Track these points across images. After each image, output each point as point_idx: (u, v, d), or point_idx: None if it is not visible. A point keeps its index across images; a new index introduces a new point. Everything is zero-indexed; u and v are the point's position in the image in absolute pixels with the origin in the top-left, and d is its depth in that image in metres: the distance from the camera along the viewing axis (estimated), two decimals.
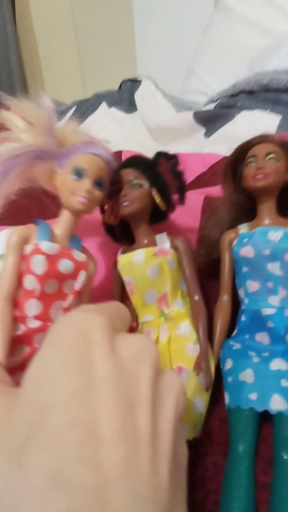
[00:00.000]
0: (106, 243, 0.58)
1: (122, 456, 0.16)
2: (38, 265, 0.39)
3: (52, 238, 0.43)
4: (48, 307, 0.40)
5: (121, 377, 0.19)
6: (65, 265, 0.41)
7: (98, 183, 0.43)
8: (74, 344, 0.20)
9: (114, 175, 0.50)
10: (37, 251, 0.40)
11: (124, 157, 1.00)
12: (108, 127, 1.25)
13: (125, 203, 0.47)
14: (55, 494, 0.15)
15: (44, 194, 0.48)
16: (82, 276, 0.42)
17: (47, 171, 0.45)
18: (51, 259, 0.40)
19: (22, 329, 0.39)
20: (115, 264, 0.51)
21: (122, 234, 0.55)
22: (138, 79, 1.35)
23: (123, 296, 0.51)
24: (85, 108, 1.42)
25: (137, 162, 0.50)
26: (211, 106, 1.04)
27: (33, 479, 0.15)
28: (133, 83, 1.36)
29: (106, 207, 0.52)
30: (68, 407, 0.17)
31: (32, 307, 0.39)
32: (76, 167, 0.42)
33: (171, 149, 0.53)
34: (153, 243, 0.48)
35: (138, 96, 1.28)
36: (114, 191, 0.49)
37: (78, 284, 0.42)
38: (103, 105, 1.37)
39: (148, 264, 0.45)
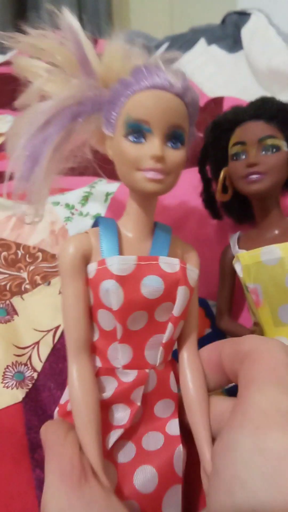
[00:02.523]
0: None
1: None
2: (111, 296, 0.26)
3: (122, 245, 0.29)
4: (140, 348, 0.28)
5: None
6: (151, 286, 0.27)
7: (174, 136, 0.27)
8: None
9: (233, 131, 0.36)
10: (104, 273, 0.27)
11: (226, 105, 0.85)
12: (206, 68, 1.08)
13: (253, 177, 0.34)
14: None
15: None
16: (182, 294, 0.28)
17: (95, 133, 0.30)
18: (128, 282, 0.26)
19: (113, 386, 0.28)
20: (225, 254, 0.39)
21: (231, 209, 0.43)
22: (247, 12, 1.14)
23: (232, 300, 0.39)
24: (179, 45, 1.24)
25: (272, 110, 0.35)
26: None
27: None
28: (240, 17, 1.16)
29: (220, 175, 0.38)
30: None
31: (117, 354, 0.28)
32: (130, 121, 0.27)
33: (283, 99, 0.38)
34: None
35: (246, 32, 1.08)
36: (233, 155, 0.36)
37: (178, 307, 0.28)
38: (202, 42, 1.19)
39: (287, 268, 0.33)
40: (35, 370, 0.37)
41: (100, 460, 0.24)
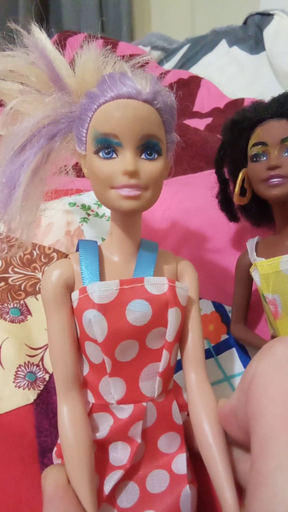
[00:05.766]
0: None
1: None
2: (94, 327, 0.24)
3: (105, 269, 0.27)
4: (134, 381, 0.26)
5: None
6: (137, 311, 0.25)
7: (148, 147, 0.25)
8: None
9: (253, 130, 0.34)
10: (86, 302, 0.25)
11: None
12: (227, 69, 1.07)
13: (274, 180, 0.32)
14: None
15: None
16: (173, 317, 0.25)
17: (75, 151, 0.28)
18: (111, 310, 0.24)
19: (108, 423, 0.26)
20: (241, 260, 0.37)
21: (249, 213, 0.41)
22: (270, 13, 1.12)
23: (248, 307, 0.38)
24: (200, 47, 1.24)
25: None
26: None
27: None
28: (262, 18, 1.14)
29: (239, 177, 0.36)
30: None
31: (110, 389, 0.25)
32: (98, 136, 0.24)
33: None
34: None
35: (268, 33, 1.06)
36: (253, 156, 0.34)
37: (171, 331, 0.26)
38: (223, 44, 1.18)
39: None
40: (47, 372, 0.36)
41: (94, 510, 0.23)
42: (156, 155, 0.25)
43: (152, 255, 0.28)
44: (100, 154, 0.25)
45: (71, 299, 0.26)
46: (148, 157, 0.25)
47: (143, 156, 0.25)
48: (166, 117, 0.26)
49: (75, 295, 0.26)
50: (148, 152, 0.25)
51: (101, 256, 0.28)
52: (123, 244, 0.28)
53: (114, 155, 0.25)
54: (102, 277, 0.27)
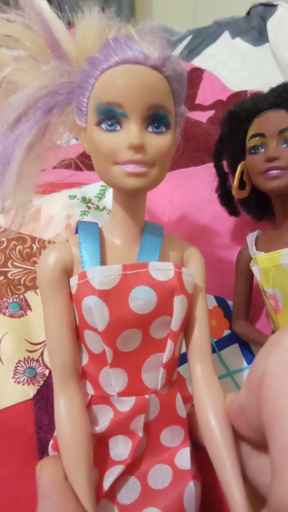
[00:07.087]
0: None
1: None
2: (95, 314, 0.23)
3: (106, 253, 0.25)
4: (137, 372, 0.24)
5: None
6: (141, 299, 0.23)
7: (155, 119, 0.22)
8: None
9: (251, 121, 0.33)
10: (85, 288, 0.23)
11: None
12: (230, 61, 1.06)
13: (273, 172, 0.31)
14: None
15: None
16: (179, 305, 0.24)
17: (74, 126, 0.26)
18: (113, 297, 0.23)
19: (108, 416, 0.24)
20: (241, 255, 0.37)
21: (250, 206, 0.40)
22: (273, 3, 1.11)
23: (249, 302, 0.37)
24: (202, 38, 1.22)
25: None
26: None
27: None
28: (266, 9, 1.13)
29: (237, 170, 0.35)
30: None
31: (110, 380, 0.24)
32: (100, 106, 0.22)
33: None
34: None
35: (272, 24, 1.05)
36: (251, 148, 0.33)
37: (176, 320, 0.24)
38: (226, 35, 1.16)
39: None
40: (46, 367, 0.36)
41: (93, 508, 0.22)
42: (164, 128, 0.23)
43: (157, 239, 0.26)
44: (103, 125, 0.22)
45: (69, 284, 0.25)
46: (155, 130, 0.23)
47: (149, 129, 0.23)
48: (176, 86, 0.24)
49: (74, 280, 0.24)
50: (156, 124, 0.23)
51: (102, 239, 0.26)
52: (126, 226, 0.26)
53: (118, 127, 0.22)
54: (103, 262, 0.25)
